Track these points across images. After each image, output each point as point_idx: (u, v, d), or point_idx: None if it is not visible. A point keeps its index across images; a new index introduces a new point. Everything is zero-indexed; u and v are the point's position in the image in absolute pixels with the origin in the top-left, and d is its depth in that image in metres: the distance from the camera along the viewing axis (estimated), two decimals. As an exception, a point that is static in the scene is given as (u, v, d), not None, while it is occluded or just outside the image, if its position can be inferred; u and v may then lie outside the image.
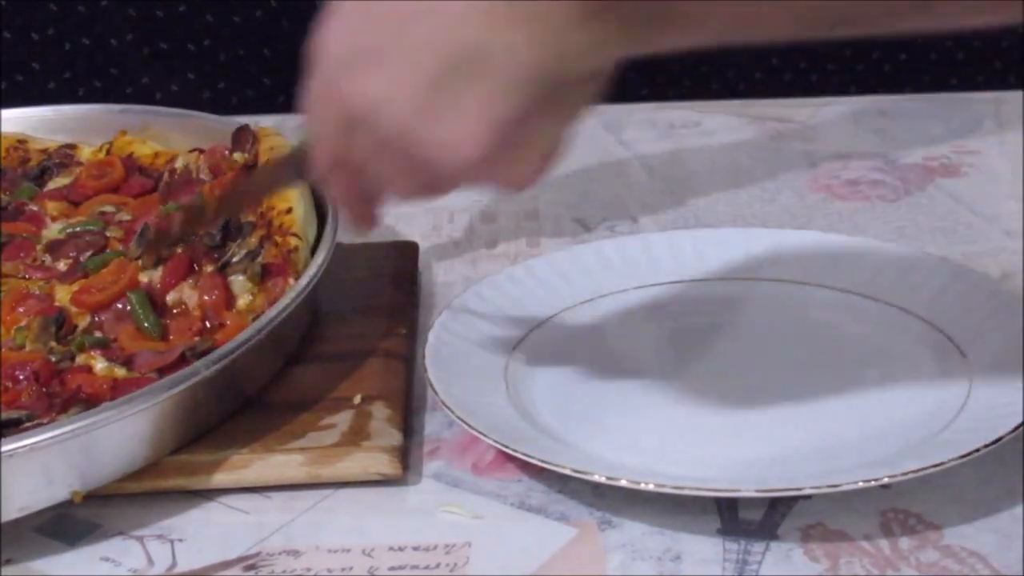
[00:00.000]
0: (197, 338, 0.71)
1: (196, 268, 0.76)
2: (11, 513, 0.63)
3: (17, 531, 0.64)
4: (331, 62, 0.58)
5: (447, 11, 0.54)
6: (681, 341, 0.78)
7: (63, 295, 0.75)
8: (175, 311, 0.74)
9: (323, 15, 0.58)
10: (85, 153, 0.89)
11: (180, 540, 0.65)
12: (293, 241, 0.75)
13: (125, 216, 0.82)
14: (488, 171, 0.58)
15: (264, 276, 0.75)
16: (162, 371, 0.69)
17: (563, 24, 0.53)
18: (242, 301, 0.74)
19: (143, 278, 0.75)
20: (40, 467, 0.63)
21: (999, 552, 0.61)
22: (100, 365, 0.70)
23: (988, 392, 0.68)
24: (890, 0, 0.53)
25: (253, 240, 0.77)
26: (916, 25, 0.55)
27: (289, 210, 0.77)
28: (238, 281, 0.75)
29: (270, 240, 0.76)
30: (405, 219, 0.92)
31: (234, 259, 0.76)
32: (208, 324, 0.73)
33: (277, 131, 0.86)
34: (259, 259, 0.75)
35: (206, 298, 0.74)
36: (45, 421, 0.65)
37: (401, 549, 0.63)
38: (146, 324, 0.73)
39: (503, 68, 0.54)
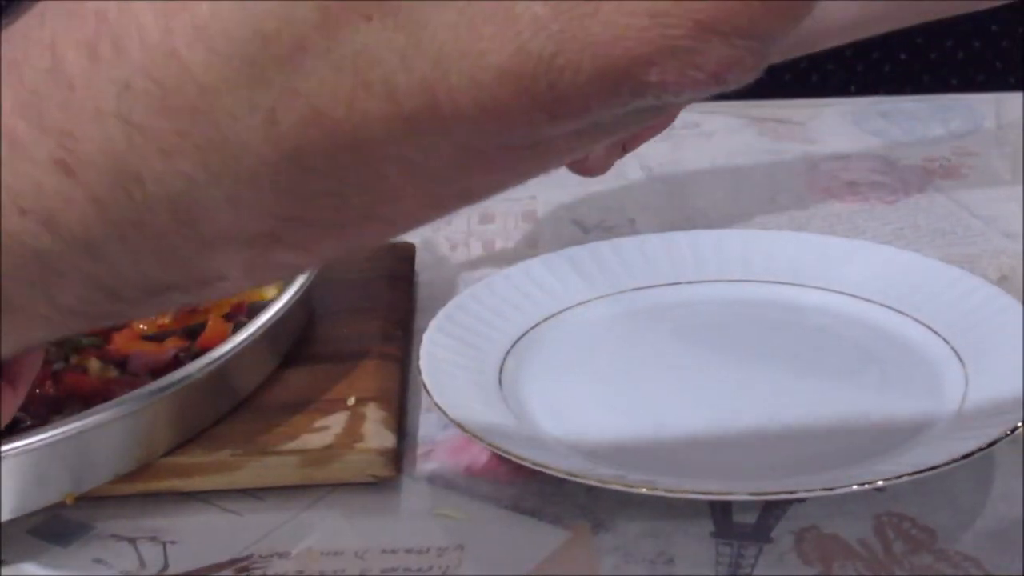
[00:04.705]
0: (190, 341, 0.71)
1: None
2: (4, 515, 0.63)
3: (9, 533, 0.64)
4: None
5: None
6: (677, 343, 0.78)
7: None
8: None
9: None
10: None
11: (172, 542, 0.65)
12: None
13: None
14: None
15: None
16: (155, 372, 0.68)
17: None
18: None
19: None
20: (33, 469, 0.63)
21: (994, 556, 0.61)
22: (94, 366, 0.70)
23: (984, 395, 0.68)
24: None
25: None
26: None
27: None
28: None
29: None
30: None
31: None
32: None
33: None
34: None
35: None
36: (38, 423, 0.65)
37: (394, 551, 0.63)
38: None
39: None
